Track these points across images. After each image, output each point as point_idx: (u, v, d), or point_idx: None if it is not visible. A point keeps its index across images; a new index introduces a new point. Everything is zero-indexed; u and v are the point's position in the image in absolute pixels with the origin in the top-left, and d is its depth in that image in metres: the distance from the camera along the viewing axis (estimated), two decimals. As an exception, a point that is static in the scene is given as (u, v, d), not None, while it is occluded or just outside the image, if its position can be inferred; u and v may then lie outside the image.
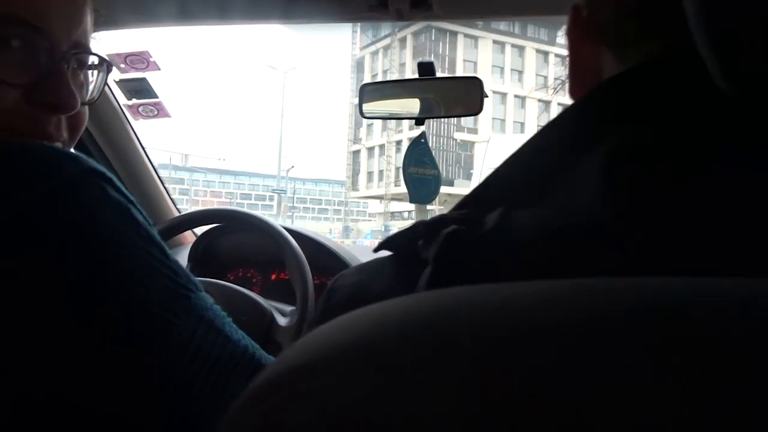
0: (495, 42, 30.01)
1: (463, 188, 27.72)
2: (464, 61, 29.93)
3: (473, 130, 30.29)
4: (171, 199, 1.66)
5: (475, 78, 1.22)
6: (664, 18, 0.36)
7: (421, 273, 0.35)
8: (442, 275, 0.33)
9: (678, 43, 0.34)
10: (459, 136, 31.11)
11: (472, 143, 29.78)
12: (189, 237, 1.69)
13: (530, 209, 0.34)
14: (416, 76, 1.29)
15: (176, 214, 1.69)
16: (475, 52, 29.97)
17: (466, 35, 30.68)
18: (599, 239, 0.30)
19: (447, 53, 30.66)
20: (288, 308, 1.40)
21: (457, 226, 0.34)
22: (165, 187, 1.62)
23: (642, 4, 0.37)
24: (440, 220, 0.36)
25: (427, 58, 1.27)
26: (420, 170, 1.30)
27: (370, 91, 1.36)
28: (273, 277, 1.78)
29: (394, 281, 0.42)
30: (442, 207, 29.01)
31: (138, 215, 0.45)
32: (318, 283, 1.36)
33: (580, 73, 0.42)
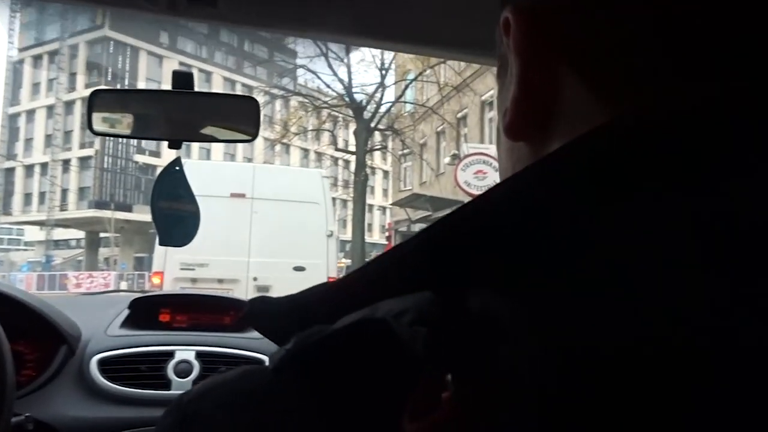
0: (182, 64, 29.11)
1: (142, 214, 26.04)
2: (147, 79, 28.23)
3: (156, 153, 28.69)
4: None
5: (251, 98, 1.03)
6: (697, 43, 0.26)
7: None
8: None
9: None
10: (140, 158, 29.17)
11: (154, 167, 28.29)
12: None
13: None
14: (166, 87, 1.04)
15: None
16: (160, 71, 28.57)
17: (149, 53, 29.10)
18: None
19: (127, 69, 28.58)
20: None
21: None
22: None
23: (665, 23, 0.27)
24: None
25: (184, 69, 1.03)
26: (174, 205, 1.04)
27: (105, 101, 1.06)
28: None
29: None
30: (117, 234, 26.76)
31: None
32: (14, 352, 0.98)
33: (531, 100, 0.31)
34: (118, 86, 27.05)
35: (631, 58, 0.27)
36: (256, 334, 1.43)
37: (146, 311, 1.41)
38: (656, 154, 0.24)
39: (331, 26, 0.91)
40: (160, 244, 1.07)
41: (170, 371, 1.25)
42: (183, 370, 1.25)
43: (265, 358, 1.33)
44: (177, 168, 1.04)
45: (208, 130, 1.03)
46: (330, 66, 13.48)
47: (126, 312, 1.41)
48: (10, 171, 31.53)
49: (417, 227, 15.64)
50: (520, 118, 0.31)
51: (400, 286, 0.27)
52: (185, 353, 1.27)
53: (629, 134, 0.25)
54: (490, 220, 0.26)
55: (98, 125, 1.04)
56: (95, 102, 1.02)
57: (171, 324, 1.42)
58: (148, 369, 1.24)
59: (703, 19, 0.26)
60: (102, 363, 1.23)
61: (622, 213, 0.24)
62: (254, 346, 1.36)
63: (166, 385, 1.24)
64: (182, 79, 1.03)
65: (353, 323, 0.27)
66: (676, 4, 0.27)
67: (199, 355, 1.28)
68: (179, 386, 1.23)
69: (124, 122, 1.04)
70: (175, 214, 1.04)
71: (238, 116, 1.03)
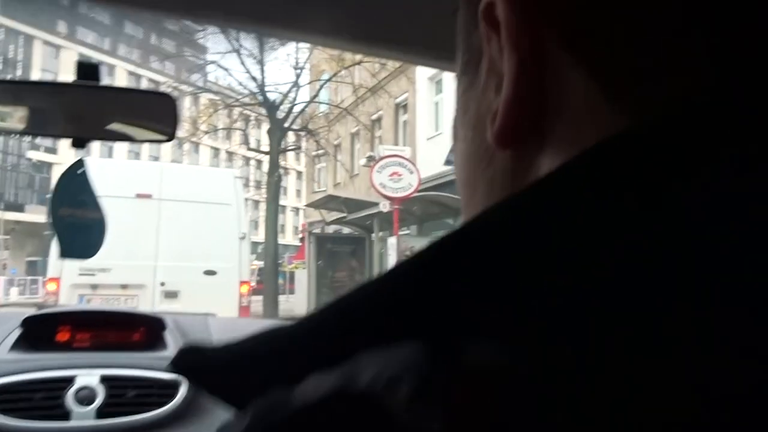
0: (81, 55, 27.40)
1: (36, 215, 24.33)
2: (42, 70, 26.35)
3: (52, 150, 26.88)
4: None
5: (167, 95, 0.92)
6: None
7: None
8: None
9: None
10: (34, 155, 27.21)
11: (50, 165, 26.54)
12: None
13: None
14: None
15: None
16: (57, 62, 26.75)
17: (45, 42, 27.17)
18: None
19: (20, 58, 26.55)
20: None
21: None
22: None
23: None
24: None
25: (89, 60, 0.91)
26: (77, 212, 0.91)
27: (-5, 92, 0.92)
28: None
29: None
30: (7, 236, 24.91)
31: None
32: None
33: (530, 100, 0.26)
34: (9, 78, 25.13)
35: (644, 47, 0.23)
36: (169, 352, 1.30)
37: (41, 330, 1.25)
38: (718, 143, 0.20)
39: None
40: (62, 256, 0.94)
41: (70, 399, 1.10)
42: (85, 397, 1.11)
43: (181, 380, 1.22)
44: (80, 171, 0.92)
45: (117, 128, 0.91)
46: (243, 63, 13.11)
47: (17, 331, 1.24)
48: None
49: (331, 229, 15.54)
50: (517, 121, 0.26)
51: (372, 333, 0.22)
52: (87, 378, 1.13)
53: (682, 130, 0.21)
54: (498, 247, 0.21)
55: (-14, 121, 0.90)
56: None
57: (71, 344, 1.27)
58: (43, 398, 1.10)
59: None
60: (-13, 393, 1.07)
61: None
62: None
63: (65, 415, 1.09)
64: (87, 70, 0.91)
65: (331, 396, 0.21)
66: None
67: (105, 379, 1.15)
68: (81, 416, 1.09)
69: (18, 116, 0.90)
70: (78, 223, 0.92)
71: (152, 114, 0.92)
